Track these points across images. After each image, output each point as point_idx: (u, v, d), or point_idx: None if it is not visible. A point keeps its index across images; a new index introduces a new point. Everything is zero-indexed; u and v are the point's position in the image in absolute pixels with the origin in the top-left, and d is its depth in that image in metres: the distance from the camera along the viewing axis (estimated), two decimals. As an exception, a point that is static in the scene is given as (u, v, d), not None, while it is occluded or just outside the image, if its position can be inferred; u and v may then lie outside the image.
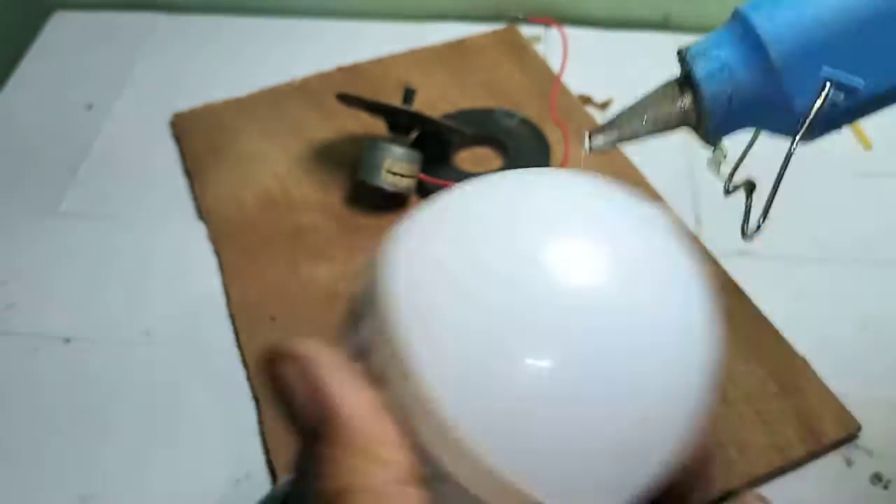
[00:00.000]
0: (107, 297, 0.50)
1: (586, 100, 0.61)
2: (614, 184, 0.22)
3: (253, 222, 0.53)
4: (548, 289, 0.19)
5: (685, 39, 0.75)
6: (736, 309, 0.46)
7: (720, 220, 0.53)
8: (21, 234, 0.54)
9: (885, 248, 0.51)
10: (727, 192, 0.27)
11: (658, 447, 0.20)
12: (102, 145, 0.59)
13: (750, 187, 0.26)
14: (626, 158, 0.56)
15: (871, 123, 0.56)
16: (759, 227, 0.25)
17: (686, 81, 0.24)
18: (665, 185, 0.54)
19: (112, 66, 0.66)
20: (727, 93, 0.23)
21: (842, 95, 0.22)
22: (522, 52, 0.64)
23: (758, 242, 0.51)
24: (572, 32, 0.63)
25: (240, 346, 0.46)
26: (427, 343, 0.19)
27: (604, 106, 0.61)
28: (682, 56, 0.24)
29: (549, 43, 0.66)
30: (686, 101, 0.24)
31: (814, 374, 0.44)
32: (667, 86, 0.24)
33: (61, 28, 0.70)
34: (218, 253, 0.51)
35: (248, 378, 0.45)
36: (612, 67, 0.64)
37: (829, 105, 0.22)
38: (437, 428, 0.18)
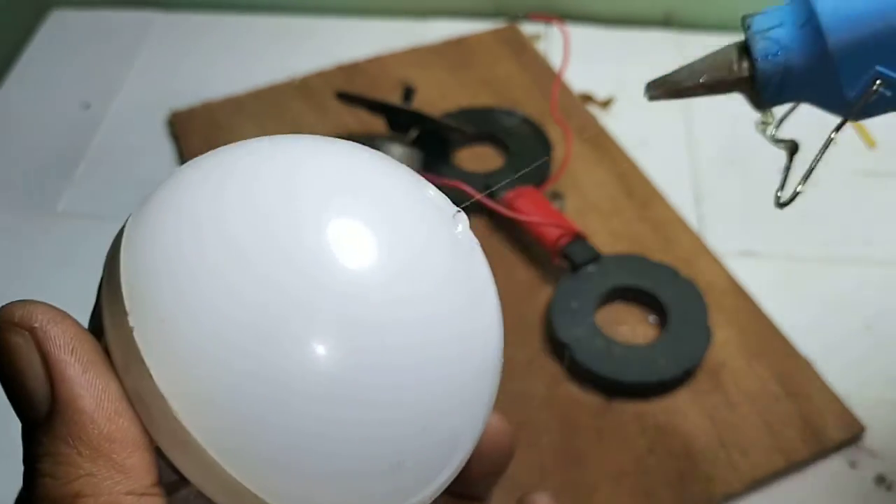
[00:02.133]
0: (104, 297, 0.49)
1: (587, 98, 0.61)
2: (396, 165, 0.19)
3: (251, 222, 0.52)
4: (314, 272, 0.16)
5: (687, 38, 0.74)
6: (739, 310, 0.46)
7: (723, 220, 0.52)
8: (18, 235, 0.53)
9: (889, 248, 0.51)
10: (774, 142, 0.28)
11: (434, 463, 0.17)
12: (100, 144, 0.59)
13: (793, 148, 0.27)
14: (629, 159, 0.55)
15: (876, 122, 0.55)
16: (794, 196, 0.26)
17: (746, 50, 0.25)
18: (668, 185, 0.53)
19: (110, 65, 0.65)
20: (781, 73, 0.24)
21: (890, 91, 0.23)
22: (523, 50, 0.64)
23: (760, 242, 0.51)
24: (573, 30, 0.62)
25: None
26: (160, 324, 0.16)
27: (605, 104, 0.60)
28: (744, 25, 0.25)
29: (549, 41, 0.66)
30: (743, 69, 0.25)
31: (817, 375, 0.43)
32: (728, 51, 0.25)
33: (58, 26, 0.69)
34: (216, 253, 0.51)
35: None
36: (613, 65, 0.63)
37: (878, 97, 0.23)
38: (172, 430, 0.16)
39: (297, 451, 0.16)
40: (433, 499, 0.18)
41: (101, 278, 0.18)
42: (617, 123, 0.58)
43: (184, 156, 0.57)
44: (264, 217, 0.16)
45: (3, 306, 0.16)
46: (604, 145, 0.56)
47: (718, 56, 0.25)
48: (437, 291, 0.17)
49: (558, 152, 0.54)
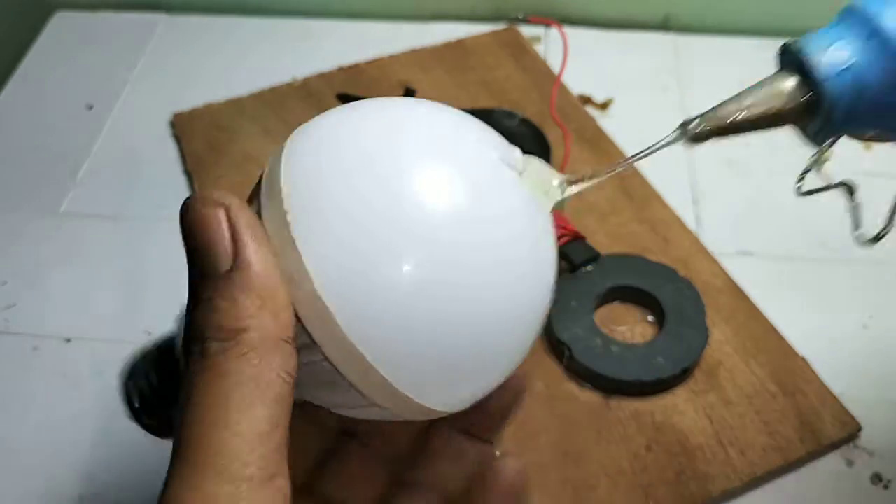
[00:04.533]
0: (107, 296, 0.50)
1: (586, 100, 0.61)
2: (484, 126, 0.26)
3: (253, 222, 0.53)
4: (416, 205, 0.21)
5: (685, 40, 0.74)
6: (736, 309, 0.46)
7: (720, 220, 0.53)
8: (22, 235, 0.54)
9: (885, 248, 0.51)
10: (805, 192, 0.24)
11: (501, 354, 0.23)
12: (103, 145, 0.60)
13: (850, 189, 0.24)
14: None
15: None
16: (881, 234, 0.23)
17: (801, 79, 0.22)
18: (665, 185, 0.54)
19: (113, 67, 0.66)
20: (851, 93, 0.21)
21: None
22: (522, 53, 0.65)
23: (757, 242, 0.51)
24: (572, 33, 0.63)
25: (240, 346, 0.46)
26: (311, 222, 0.21)
27: (604, 106, 0.61)
28: (791, 51, 0.21)
29: (549, 43, 0.66)
30: (803, 96, 0.22)
31: (814, 374, 0.44)
32: (780, 78, 0.22)
33: (62, 28, 0.70)
34: (218, 253, 0.51)
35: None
36: (612, 68, 0.64)
37: None
38: (310, 300, 0.21)
39: (391, 330, 0.21)
40: (464, 406, 0.24)
41: (259, 186, 0.23)
42: (615, 125, 0.58)
43: (186, 157, 0.57)
44: (377, 155, 0.22)
45: (198, 192, 0.21)
46: (602, 146, 0.57)
47: (770, 84, 0.22)
48: (499, 232, 0.22)
49: (557, 153, 0.55)
